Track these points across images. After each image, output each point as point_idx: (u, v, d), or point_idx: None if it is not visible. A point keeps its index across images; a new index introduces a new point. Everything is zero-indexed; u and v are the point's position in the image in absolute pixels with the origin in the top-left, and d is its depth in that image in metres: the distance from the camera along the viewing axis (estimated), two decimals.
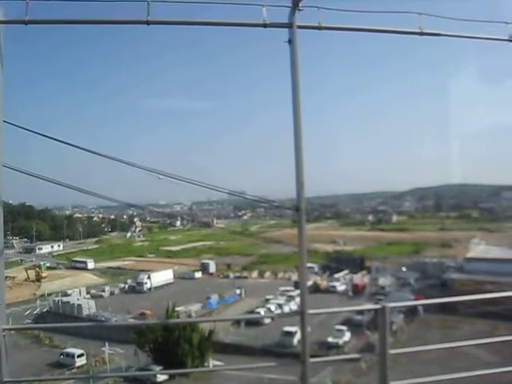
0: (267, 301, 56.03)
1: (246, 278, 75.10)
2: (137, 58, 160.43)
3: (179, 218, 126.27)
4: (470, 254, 65.35)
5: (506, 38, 4.99)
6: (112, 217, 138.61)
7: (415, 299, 47.14)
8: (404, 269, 68.81)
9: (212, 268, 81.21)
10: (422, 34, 4.83)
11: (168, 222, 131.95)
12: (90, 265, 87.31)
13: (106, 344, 39.72)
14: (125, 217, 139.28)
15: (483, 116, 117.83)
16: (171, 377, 32.87)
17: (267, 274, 76.41)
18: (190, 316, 47.98)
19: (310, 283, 61.54)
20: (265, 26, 4.53)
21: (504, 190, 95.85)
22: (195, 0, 4.85)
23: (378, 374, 4.36)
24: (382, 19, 4.91)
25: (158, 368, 34.22)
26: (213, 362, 36.47)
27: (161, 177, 5.98)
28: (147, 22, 4.40)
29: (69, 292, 63.82)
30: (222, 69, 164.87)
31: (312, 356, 4.61)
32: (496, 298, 5.14)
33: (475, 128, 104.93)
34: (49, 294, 64.09)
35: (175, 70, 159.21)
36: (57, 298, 59.17)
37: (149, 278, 68.55)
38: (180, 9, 4.63)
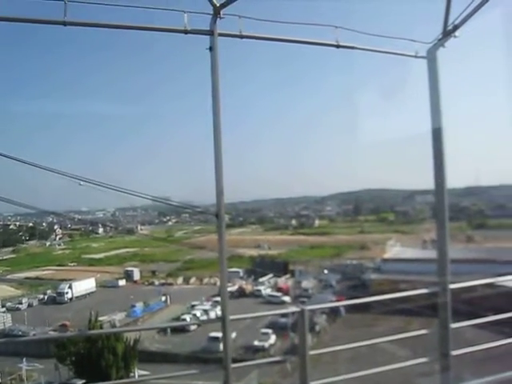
0: (193, 307, 55.72)
1: (171, 284, 74.27)
2: (60, 60, 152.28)
3: (100, 225, 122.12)
4: (387, 255, 68.58)
5: (413, 54, 5.49)
6: (30, 224, 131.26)
7: (337, 300, 48.81)
8: (326, 271, 70.99)
9: (136, 275, 79.46)
10: (338, 46, 5.18)
11: (90, 229, 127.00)
12: None
13: (24, 360, 37.60)
14: (44, 224, 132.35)
15: (394, 125, 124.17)
16: None
17: (192, 279, 75.97)
18: (113, 326, 46.65)
19: (235, 288, 61.98)
20: (186, 32, 4.63)
21: (417, 194, 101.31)
22: (116, 3, 4.84)
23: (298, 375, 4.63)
24: (301, 28, 5.19)
25: (80, 382, 32.93)
26: (138, 372, 35.69)
27: (82, 183, 5.89)
28: (64, 23, 4.35)
29: None
30: (150, 73, 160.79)
31: (239, 360, 4.79)
32: (409, 296, 5.59)
33: (388, 137, 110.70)
34: None
35: (99, 74, 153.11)
36: None
37: (70, 287, 65.76)
38: (100, 12, 4.60)
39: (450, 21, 5.34)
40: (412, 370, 5.25)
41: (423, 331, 5.30)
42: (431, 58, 5.45)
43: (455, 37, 5.37)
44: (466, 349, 5.17)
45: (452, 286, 5.23)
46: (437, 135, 5.38)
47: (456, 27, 5.32)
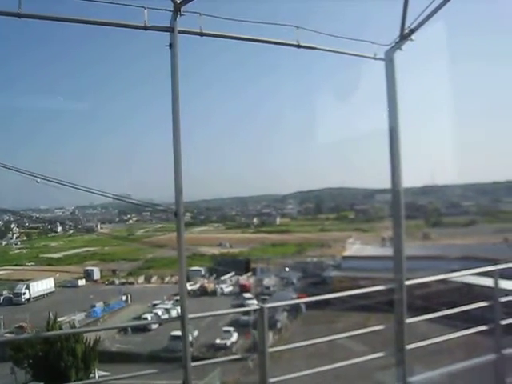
0: (154, 306, 55.16)
1: (132, 283, 73.27)
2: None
3: (59, 224, 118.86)
4: (346, 253, 69.77)
5: (371, 55, 5.61)
6: None
7: (298, 297, 49.30)
8: (287, 269, 71.46)
9: (96, 275, 77.95)
10: (299, 46, 5.22)
11: (48, 227, 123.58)
12: None
13: None
14: (0, 223, 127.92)
15: (353, 125, 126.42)
16: None
17: (154, 278, 75.20)
18: (73, 326, 45.57)
19: (197, 286, 61.81)
20: (145, 28, 4.57)
21: (376, 193, 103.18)
22: None
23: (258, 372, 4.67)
24: (263, 28, 5.22)
25: None
26: (98, 373, 35.09)
27: (39, 180, 5.76)
28: (18, 15, 4.22)
29: None
30: (100, 69, 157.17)
31: (201, 358, 4.79)
32: (368, 292, 5.73)
33: (347, 136, 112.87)
34: None
35: (44, 68, 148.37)
36: None
37: (27, 287, 63.77)
38: (56, 5, 4.48)
39: (407, 24, 5.48)
40: (369, 365, 5.37)
41: (380, 327, 5.43)
42: (389, 59, 5.58)
43: (412, 40, 5.52)
44: (420, 342, 5.33)
45: (407, 283, 5.38)
46: (393, 135, 5.52)
47: (412, 31, 5.47)
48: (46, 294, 65.81)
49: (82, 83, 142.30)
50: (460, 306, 5.72)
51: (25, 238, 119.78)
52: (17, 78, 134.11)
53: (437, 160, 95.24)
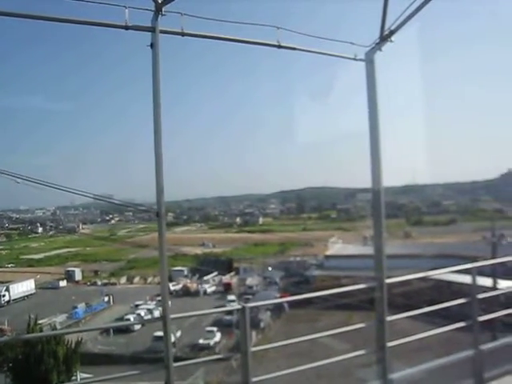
0: (137, 306, 54.82)
1: (114, 284, 72.76)
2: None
3: (39, 224, 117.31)
4: (329, 252, 70.15)
5: (352, 56, 5.66)
6: None
7: (281, 296, 49.42)
8: (270, 268, 71.63)
9: (78, 276, 77.23)
10: (279, 46, 5.23)
11: (29, 228, 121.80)
12: None
13: None
14: None
15: (333, 125, 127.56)
16: None
17: (136, 279, 74.75)
18: (54, 328, 45.04)
19: (179, 286, 61.63)
20: (126, 28, 4.53)
21: (358, 192, 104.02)
22: None
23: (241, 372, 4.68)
24: (244, 28, 5.24)
25: None
26: (80, 375, 34.72)
27: (19, 181, 5.68)
28: None
29: None
30: (85, 68, 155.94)
31: (184, 359, 4.77)
32: (350, 291, 5.77)
33: (329, 136, 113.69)
34: None
35: (34, 69, 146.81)
36: None
37: (7, 289, 62.72)
38: (36, 3, 4.42)
39: (387, 26, 5.53)
40: (351, 362, 5.42)
41: (361, 325, 5.48)
42: (369, 60, 5.63)
43: (391, 41, 5.58)
44: (401, 340, 5.40)
45: (388, 281, 5.44)
46: (374, 135, 5.58)
47: (392, 32, 5.53)
48: (27, 296, 64.87)
49: (73, 84, 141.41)
50: (439, 303, 5.80)
51: (4, 239, 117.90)
52: (13, 78, 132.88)
53: (417, 160, 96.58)
